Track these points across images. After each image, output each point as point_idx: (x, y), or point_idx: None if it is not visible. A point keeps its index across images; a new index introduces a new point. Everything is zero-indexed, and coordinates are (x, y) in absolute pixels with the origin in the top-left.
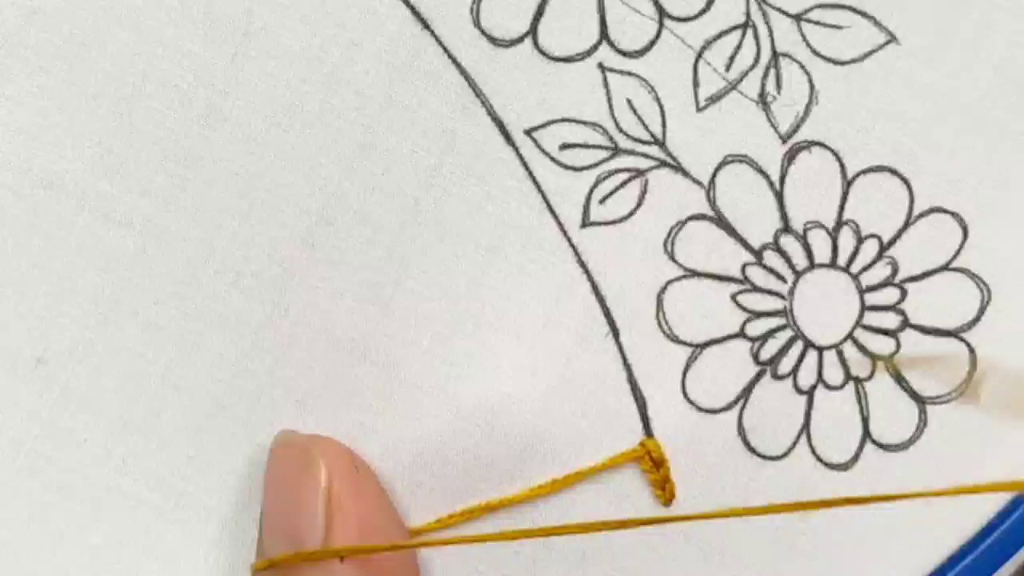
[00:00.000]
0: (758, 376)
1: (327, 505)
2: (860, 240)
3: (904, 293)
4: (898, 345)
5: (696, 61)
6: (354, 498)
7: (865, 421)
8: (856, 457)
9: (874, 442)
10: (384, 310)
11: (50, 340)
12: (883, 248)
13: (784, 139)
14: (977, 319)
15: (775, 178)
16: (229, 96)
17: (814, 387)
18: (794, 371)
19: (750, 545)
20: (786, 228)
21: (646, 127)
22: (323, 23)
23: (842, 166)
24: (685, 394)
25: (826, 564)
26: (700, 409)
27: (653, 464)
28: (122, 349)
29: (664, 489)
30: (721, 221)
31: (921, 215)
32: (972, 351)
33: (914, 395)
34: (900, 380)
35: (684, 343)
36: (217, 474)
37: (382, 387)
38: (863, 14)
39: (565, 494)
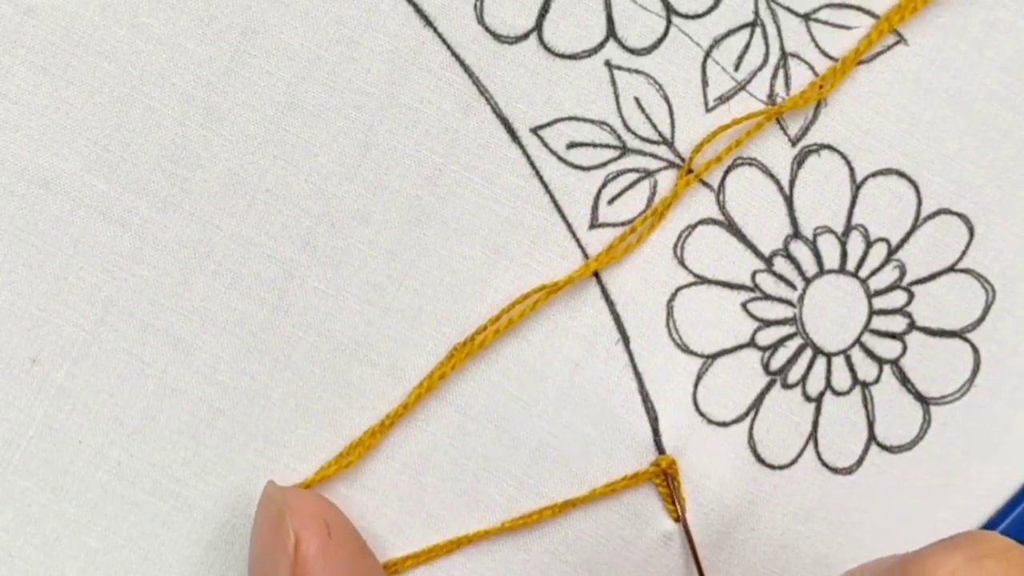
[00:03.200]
0: (768, 386)
1: (292, 572)
2: (869, 244)
3: (911, 296)
4: (904, 348)
5: (705, 60)
6: (323, 567)
7: (871, 424)
8: (860, 460)
9: (879, 444)
10: (386, 311)
11: (45, 340)
12: (891, 251)
13: (793, 142)
14: (981, 319)
15: (784, 182)
16: (228, 95)
17: (822, 394)
18: (803, 379)
19: (756, 553)
20: (796, 234)
21: (654, 126)
22: (323, 20)
23: (851, 169)
24: (696, 406)
25: (829, 568)
26: (711, 422)
27: (666, 481)
28: (118, 350)
29: (675, 503)
30: (731, 226)
31: (928, 217)
32: (976, 350)
33: (919, 396)
34: (905, 382)
35: (695, 354)
36: (213, 478)
37: (385, 389)
38: (871, 14)
39: (583, 509)
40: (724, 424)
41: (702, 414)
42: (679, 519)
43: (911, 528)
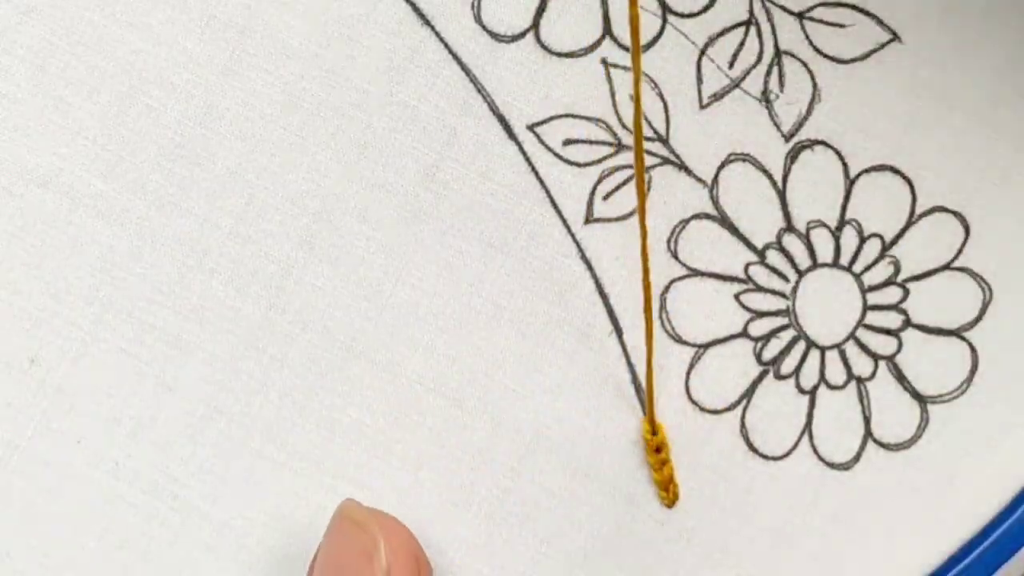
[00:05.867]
0: (761, 376)
1: None
2: (862, 239)
3: (906, 292)
4: (900, 344)
5: (699, 58)
6: None
7: (867, 420)
8: (858, 456)
9: (876, 441)
10: (384, 308)
11: (44, 340)
12: (885, 247)
13: (787, 138)
14: (979, 318)
15: (778, 177)
16: (226, 94)
17: (816, 387)
18: (796, 371)
19: (752, 545)
20: (789, 227)
21: (649, 124)
22: (322, 19)
23: (844, 165)
24: (688, 394)
25: (827, 564)
26: (703, 409)
27: (654, 449)
28: (116, 350)
29: (668, 490)
30: (724, 220)
31: (923, 214)
32: (973, 350)
33: (915, 394)
34: (901, 379)
35: (687, 343)
36: (211, 477)
37: (383, 385)
38: (866, 13)
39: (579, 495)
40: (716, 412)
41: (694, 402)
42: (672, 505)
43: (912, 528)
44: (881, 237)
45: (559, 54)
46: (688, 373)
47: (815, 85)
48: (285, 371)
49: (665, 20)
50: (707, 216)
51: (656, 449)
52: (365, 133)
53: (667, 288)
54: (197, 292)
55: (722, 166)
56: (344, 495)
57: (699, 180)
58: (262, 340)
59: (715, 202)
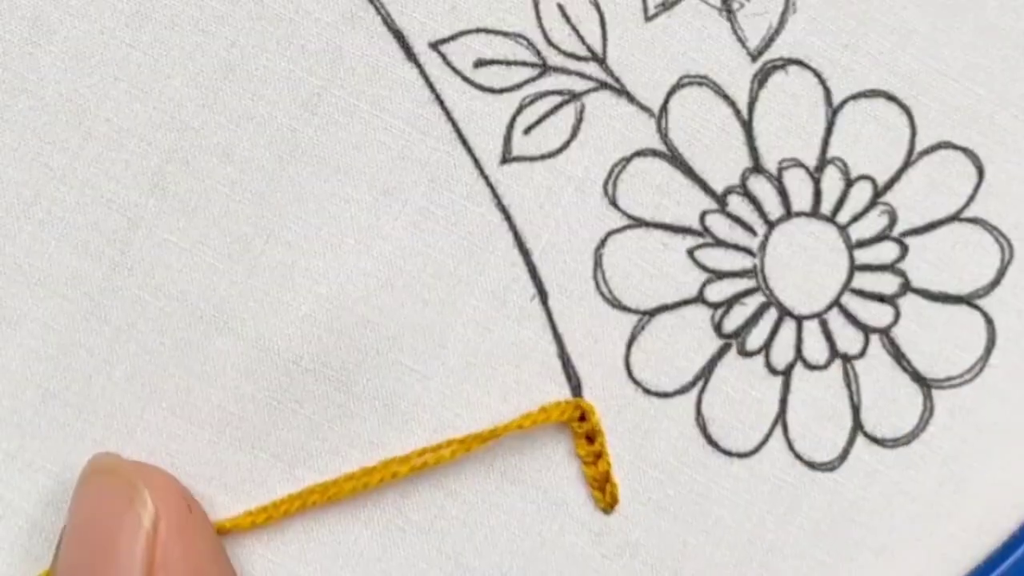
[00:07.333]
0: (721, 352)
1: (149, 555)
2: (849, 182)
3: (904, 249)
4: (897, 314)
5: None
6: (184, 547)
7: (856, 409)
8: (844, 454)
9: (867, 435)
10: (252, 269)
11: None
12: (878, 192)
13: (754, 56)
14: (996, 281)
15: (742, 105)
16: (59, 4)
17: (791, 366)
18: (766, 346)
19: (711, 564)
20: (756, 167)
21: (582, 39)
22: None
23: (826, 90)
24: (629, 373)
25: None
26: (648, 392)
27: (585, 438)
28: None
29: (604, 491)
30: (675, 158)
31: (925, 152)
32: (989, 321)
33: (917, 377)
34: (899, 358)
35: (628, 309)
36: (42, 475)
37: (251, 365)
38: None
39: (492, 499)
40: (664, 395)
41: (636, 382)
42: (611, 509)
43: (911, 544)
44: (872, 180)
45: None
46: (629, 346)
47: None
48: (132, 345)
49: None
50: (654, 153)
51: (588, 438)
52: (230, 52)
53: (603, 242)
54: (24, 247)
55: (672, 91)
56: (203, 496)
57: (644, 108)
58: (104, 307)
59: (663, 136)
